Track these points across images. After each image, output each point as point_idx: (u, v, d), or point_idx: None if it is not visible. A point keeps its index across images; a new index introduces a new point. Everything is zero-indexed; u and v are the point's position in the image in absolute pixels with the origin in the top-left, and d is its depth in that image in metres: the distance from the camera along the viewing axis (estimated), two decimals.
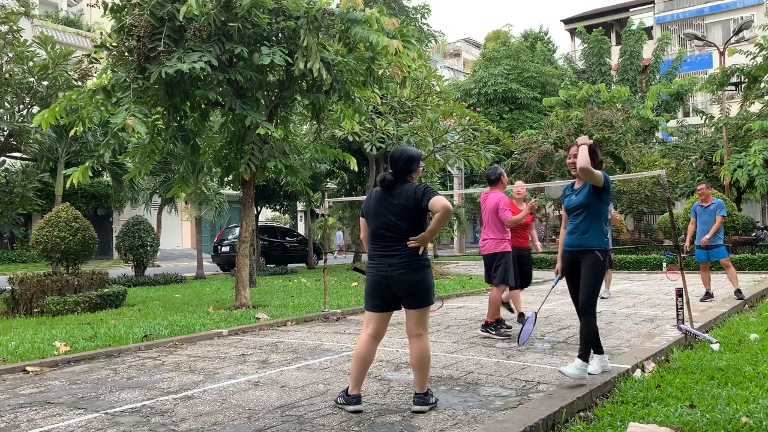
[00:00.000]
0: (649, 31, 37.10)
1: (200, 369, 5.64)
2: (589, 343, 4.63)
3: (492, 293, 7.05)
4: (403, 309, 4.19)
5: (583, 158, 4.57)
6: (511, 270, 7.01)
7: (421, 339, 4.11)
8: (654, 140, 28.01)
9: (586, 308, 4.67)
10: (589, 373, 4.58)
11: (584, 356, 4.55)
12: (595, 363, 4.74)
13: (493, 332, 6.87)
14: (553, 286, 5.93)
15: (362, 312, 8.49)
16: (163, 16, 8.34)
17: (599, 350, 4.81)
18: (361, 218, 4.34)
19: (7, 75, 12.23)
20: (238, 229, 14.11)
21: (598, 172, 4.66)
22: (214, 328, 7.75)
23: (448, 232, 31.49)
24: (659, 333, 6.77)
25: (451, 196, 26.54)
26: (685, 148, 24.18)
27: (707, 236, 9.39)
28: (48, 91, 12.95)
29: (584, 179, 4.72)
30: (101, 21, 25.06)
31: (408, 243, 4.03)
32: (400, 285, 4.03)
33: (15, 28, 12.26)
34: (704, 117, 24.71)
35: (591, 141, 4.75)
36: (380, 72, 9.34)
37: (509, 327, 7.08)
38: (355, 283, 13.90)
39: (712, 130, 23.17)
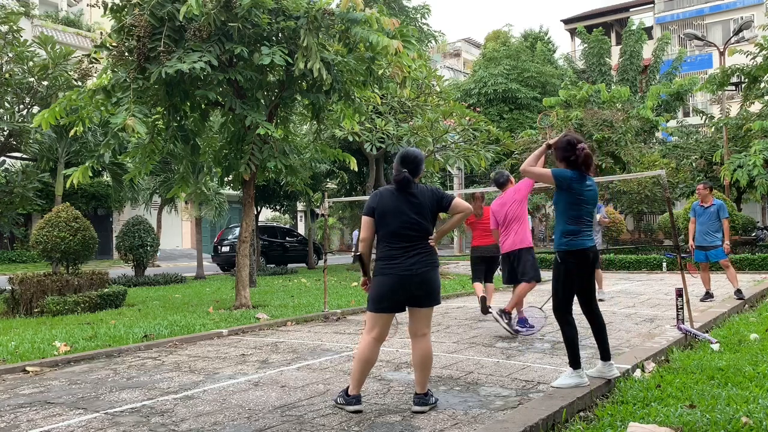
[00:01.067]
0: (649, 31, 37.09)
1: (200, 369, 5.64)
2: (569, 349, 4.45)
3: (521, 287, 6.96)
4: (406, 310, 4.16)
5: (525, 161, 4.59)
6: (535, 264, 7.05)
7: (426, 338, 4.12)
8: (654, 140, 28.01)
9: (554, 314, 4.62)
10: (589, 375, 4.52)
11: (572, 363, 4.42)
12: (597, 367, 4.64)
13: (505, 322, 6.79)
14: None
15: (362, 312, 8.49)
16: (163, 16, 8.34)
17: (606, 356, 4.59)
18: (365, 218, 4.17)
19: (7, 75, 12.23)
20: (238, 229, 14.11)
21: (542, 171, 4.53)
22: (214, 328, 7.75)
23: (449, 233, 31.50)
24: (659, 333, 6.77)
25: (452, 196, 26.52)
26: (685, 148, 24.19)
27: (727, 242, 9.44)
28: (48, 91, 12.95)
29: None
30: (101, 21, 25.06)
31: (429, 241, 4.10)
32: (423, 283, 4.03)
33: (15, 28, 12.26)
34: (704, 117, 24.72)
35: (560, 139, 4.57)
36: (380, 72, 9.33)
37: (531, 326, 7.00)
38: (355, 283, 13.90)
39: (712, 130, 23.18)
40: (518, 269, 7.00)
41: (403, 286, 4.03)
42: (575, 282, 4.55)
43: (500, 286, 11.60)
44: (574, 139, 4.56)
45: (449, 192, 4.40)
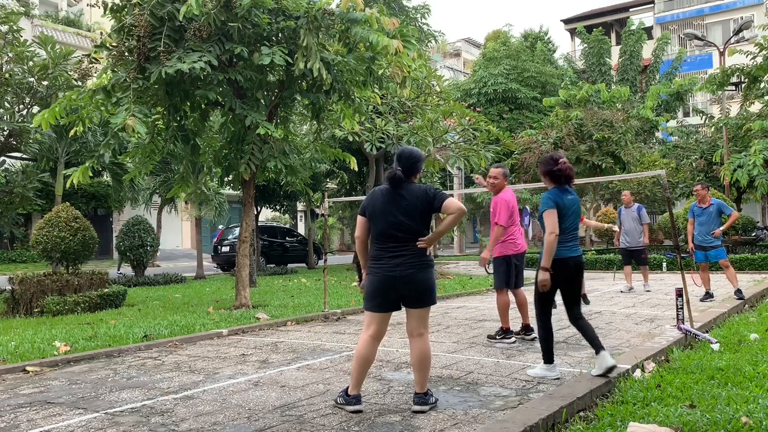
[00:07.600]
0: (649, 31, 37.11)
1: (200, 369, 5.64)
2: (543, 348, 4.89)
3: (524, 297, 6.74)
4: (403, 309, 4.17)
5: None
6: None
7: (423, 338, 4.11)
8: (654, 140, 28.03)
9: None
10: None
11: (545, 359, 4.88)
12: (597, 363, 4.66)
13: (509, 341, 6.58)
14: None
15: (362, 312, 8.48)
16: (163, 16, 8.34)
17: (597, 350, 4.64)
18: (359, 216, 4.24)
19: (7, 75, 12.23)
20: (238, 229, 14.11)
21: (550, 221, 4.71)
22: (214, 328, 7.75)
23: (448, 233, 31.46)
24: (659, 333, 6.77)
25: (451, 196, 26.58)
26: (685, 148, 24.19)
27: (721, 229, 9.43)
28: (48, 91, 12.96)
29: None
30: (101, 21, 25.04)
31: (417, 244, 4.04)
32: (408, 284, 4.02)
33: (15, 28, 12.26)
34: (704, 117, 24.72)
35: (544, 156, 4.96)
36: (380, 72, 9.34)
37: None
38: (355, 283, 13.89)
39: (712, 130, 23.18)
40: (516, 274, 6.72)
41: (390, 286, 4.04)
42: (554, 289, 4.81)
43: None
44: (556, 155, 4.96)
45: (447, 192, 4.39)
